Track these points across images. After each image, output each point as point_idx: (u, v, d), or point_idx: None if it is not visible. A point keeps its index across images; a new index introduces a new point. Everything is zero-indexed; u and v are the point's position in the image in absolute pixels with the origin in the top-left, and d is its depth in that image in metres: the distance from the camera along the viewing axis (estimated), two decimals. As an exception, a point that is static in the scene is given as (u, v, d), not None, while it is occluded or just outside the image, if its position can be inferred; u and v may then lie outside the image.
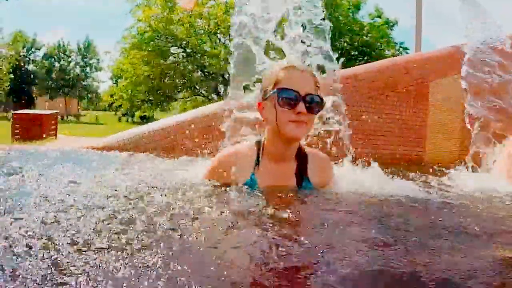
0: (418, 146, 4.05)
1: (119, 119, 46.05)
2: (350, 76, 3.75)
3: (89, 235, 1.01)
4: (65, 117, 41.77)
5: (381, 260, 0.95)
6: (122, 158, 2.65)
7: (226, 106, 2.31)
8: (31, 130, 10.96)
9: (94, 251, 0.91)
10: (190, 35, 23.51)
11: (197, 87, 25.98)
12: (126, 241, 0.98)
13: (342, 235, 1.17)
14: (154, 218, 1.15)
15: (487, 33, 3.52)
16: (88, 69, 48.57)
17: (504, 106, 2.99)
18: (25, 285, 0.75)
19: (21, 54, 44.35)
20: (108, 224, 1.10)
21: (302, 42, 2.38)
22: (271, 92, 1.61)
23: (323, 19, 2.33)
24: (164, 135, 3.04)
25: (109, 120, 44.04)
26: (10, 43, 38.53)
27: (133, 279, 0.79)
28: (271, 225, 1.16)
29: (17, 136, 10.86)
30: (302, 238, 1.10)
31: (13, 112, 12.54)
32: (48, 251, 0.90)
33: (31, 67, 46.58)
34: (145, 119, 28.90)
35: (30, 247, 0.91)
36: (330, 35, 2.31)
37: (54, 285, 0.76)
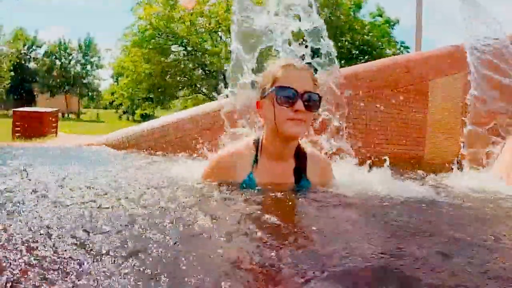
0: (417, 145, 4.06)
1: (120, 117, 46.01)
2: (350, 75, 3.75)
3: (81, 234, 1.01)
4: (65, 115, 41.78)
5: (379, 260, 0.95)
6: (117, 155, 2.66)
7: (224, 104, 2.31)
8: (31, 127, 10.97)
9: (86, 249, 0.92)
10: (191, 33, 23.50)
11: (198, 85, 25.98)
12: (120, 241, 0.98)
13: (339, 235, 1.17)
14: (152, 219, 1.15)
15: (488, 32, 3.53)
16: (89, 67, 48.53)
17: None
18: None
19: (22, 51, 44.33)
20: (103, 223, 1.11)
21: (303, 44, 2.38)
22: (269, 90, 1.61)
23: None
24: (164, 133, 3.04)
25: (110, 118, 44.02)
26: (11, 41, 38.51)
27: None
28: (268, 225, 1.16)
29: (17, 134, 10.87)
30: (299, 238, 1.10)
31: (13, 109, 12.54)
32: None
33: (32, 64, 46.57)
34: (145, 117, 28.87)
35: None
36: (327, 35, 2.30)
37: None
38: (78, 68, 47.90)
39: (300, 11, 2.27)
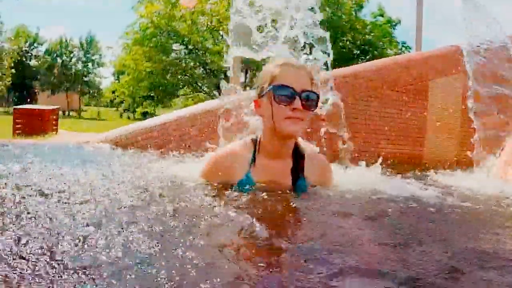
0: (417, 145, 4.05)
1: (121, 115, 46.05)
2: (349, 74, 3.75)
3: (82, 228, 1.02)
4: (66, 113, 41.79)
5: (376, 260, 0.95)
6: (115, 153, 2.66)
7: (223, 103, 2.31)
8: (32, 125, 11.00)
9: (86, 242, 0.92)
10: (192, 31, 23.48)
11: (198, 83, 25.97)
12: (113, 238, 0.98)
13: (337, 234, 1.18)
14: (150, 220, 1.15)
15: (488, 32, 3.53)
16: (90, 65, 48.52)
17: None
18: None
19: (23, 49, 44.33)
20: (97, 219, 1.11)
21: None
22: (267, 89, 1.61)
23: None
24: (163, 131, 3.05)
25: (111, 116, 44.06)
26: (12, 38, 38.50)
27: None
28: (264, 224, 1.16)
29: (18, 131, 10.90)
30: (297, 238, 1.10)
31: (14, 107, 12.56)
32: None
33: (33, 62, 46.57)
34: (146, 116, 28.88)
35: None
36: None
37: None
38: (79, 66, 47.89)
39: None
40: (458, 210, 1.57)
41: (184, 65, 24.59)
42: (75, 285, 0.73)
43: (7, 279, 0.73)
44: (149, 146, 2.92)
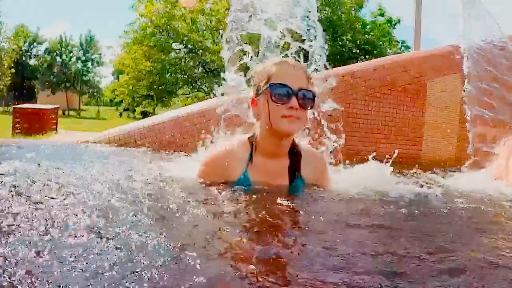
0: (415, 145, 4.06)
1: (121, 114, 46.04)
2: (347, 73, 3.75)
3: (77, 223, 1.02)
4: (66, 112, 41.78)
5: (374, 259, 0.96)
6: (113, 152, 2.66)
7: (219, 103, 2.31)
8: (31, 124, 11.00)
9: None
10: (192, 31, 23.49)
11: (198, 83, 25.97)
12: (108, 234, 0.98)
13: (334, 234, 1.18)
14: (144, 218, 1.15)
15: (487, 32, 3.53)
16: (89, 64, 48.50)
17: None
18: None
19: (23, 48, 44.31)
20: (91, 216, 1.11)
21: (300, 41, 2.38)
22: (263, 88, 1.61)
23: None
24: (161, 130, 3.05)
25: (110, 115, 44.04)
26: (12, 37, 38.46)
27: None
28: (262, 224, 1.16)
29: (17, 130, 10.90)
30: (294, 238, 1.10)
31: (13, 106, 12.56)
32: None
33: (32, 61, 46.55)
34: (146, 115, 28.88)
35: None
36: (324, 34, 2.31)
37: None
38: (79, 65, 47.86)
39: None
40: (448, 208, 1.57)
41: (183, 64, 24.59)
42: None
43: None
44: (145, 145, 2.92)
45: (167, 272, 0.79)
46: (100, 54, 48.30)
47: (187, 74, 25.07)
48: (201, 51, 24.30)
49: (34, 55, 47.09)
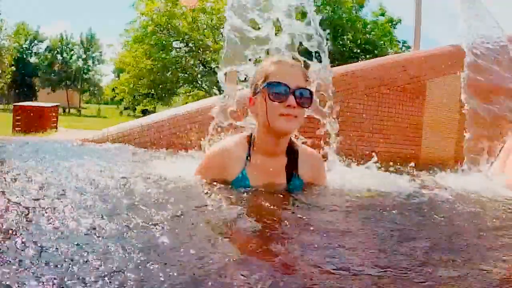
0: (414, 144, 4.06)
1: (121, 113, 46.04)
2: (346, 73, 3.75)
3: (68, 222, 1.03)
4: (67, 110, 41.79)
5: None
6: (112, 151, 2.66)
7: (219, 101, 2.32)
8: (32, 122, 11.01)
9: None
10: (193, 29, 23.48)
11: (198, 81, 25.97)
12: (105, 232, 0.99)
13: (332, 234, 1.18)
14: (144, 220, 1.14)
15: (487, 32, 3.52)
16: (90, 62, 48.50)
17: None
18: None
19: (24, 46, 44.33)
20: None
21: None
22: (261, 87, 1.61)
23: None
24: (160, 129, 3.06)
25: (111, 113, 44.05)
26: (13, 35, 38.46)
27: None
28: (262, 224, 1.16)
29: (18, 128, 10.91)
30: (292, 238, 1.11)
31: (14, 104, 12.57)
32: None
33: (33, 59, 46.56)
34: (146, 113, 28.88)
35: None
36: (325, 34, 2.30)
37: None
38: (80, 63, 47.86)
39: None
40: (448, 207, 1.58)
41: (184, 63, 24.58)
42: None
43: None
44: (144, 143, 2.92)
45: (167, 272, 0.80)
46: (101, 52, 48.33)
47: (188, 72, 25.07)
48: (201, 49, 24.29)
49: (35, 53, 47.12)
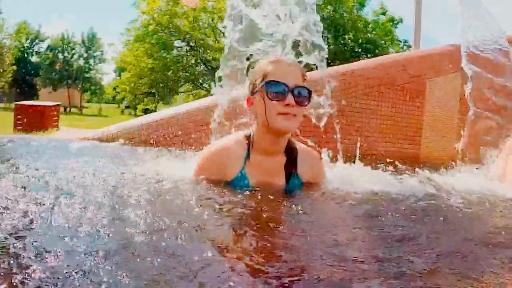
0: (414, 143, 4.06)
1: (122, 112, 46.07)
2: (346, 72, 3.75)
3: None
4: (68, 109, 41.80)
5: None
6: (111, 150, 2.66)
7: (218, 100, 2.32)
8: (33, 121, 11.02)
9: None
10: (194, 28, 23.47)
11: (200, 80, 25.97)
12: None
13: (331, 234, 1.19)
14: (144, 219, 1.15)
15: (487, 32, 3.52)
16: (91, 61, 48.47)
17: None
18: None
19: (25, 45, 44.35)
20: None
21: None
22: (259, 86, 1.62)
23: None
24: (160, 127, 3.06)
25: (112, 112, 44.09)
26: (14, 34, 38.47)
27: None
28: (262, 224, 1.17)
29: (19, 127, 10.93)
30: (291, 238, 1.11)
31: (15, 103, 12.59)
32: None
33: (34, 58, 46.58)
34: (147, 112, 28.88)
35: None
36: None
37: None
38: (81, 62, 47.83)
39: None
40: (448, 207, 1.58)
41: (185, 62, 24.59)
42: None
43: None
44: (145, 141, 2.93)
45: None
46: (102, 51, 48.30)
47: (189, 71, 25.06)
48: (202, 49, 24.28)
49: (36, 52, 47.11)
